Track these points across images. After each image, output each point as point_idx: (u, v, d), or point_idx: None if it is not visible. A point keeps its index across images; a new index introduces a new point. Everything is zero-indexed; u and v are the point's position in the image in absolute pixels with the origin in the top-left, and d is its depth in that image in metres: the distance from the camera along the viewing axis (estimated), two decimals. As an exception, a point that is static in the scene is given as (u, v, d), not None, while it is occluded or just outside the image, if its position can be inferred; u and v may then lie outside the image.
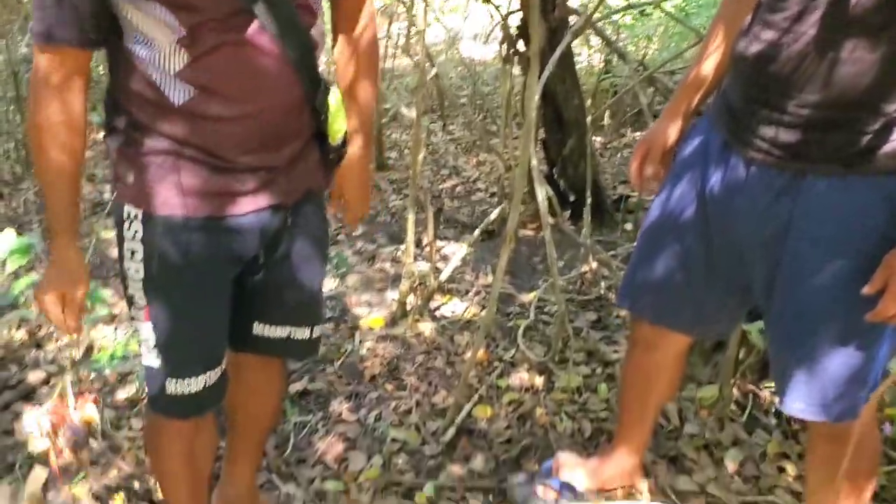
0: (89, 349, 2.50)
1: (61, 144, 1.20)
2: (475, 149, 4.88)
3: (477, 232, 2.81)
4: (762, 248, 1.35)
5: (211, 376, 1.37)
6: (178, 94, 1.17)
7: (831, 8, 1.16)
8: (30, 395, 2.28)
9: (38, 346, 2.55)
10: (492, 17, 3.44)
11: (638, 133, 5.16)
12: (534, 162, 2.25)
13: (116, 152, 1.25)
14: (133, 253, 1.27)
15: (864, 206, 1.24)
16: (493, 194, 4.01)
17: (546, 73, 2.42)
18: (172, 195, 1.22)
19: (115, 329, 2.66)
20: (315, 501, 1.86)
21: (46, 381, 2.36)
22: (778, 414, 2.14)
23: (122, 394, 2.26)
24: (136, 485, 1.89)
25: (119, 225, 1.28)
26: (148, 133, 1.22)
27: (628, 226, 3.61)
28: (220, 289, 1.34)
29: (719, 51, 1.46)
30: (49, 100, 1.18)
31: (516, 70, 3.42)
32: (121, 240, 1.29)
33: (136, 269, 1.28)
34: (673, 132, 1.53)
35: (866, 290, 1.21)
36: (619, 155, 4.77)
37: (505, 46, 3.23)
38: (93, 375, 2.32)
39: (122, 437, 2.07)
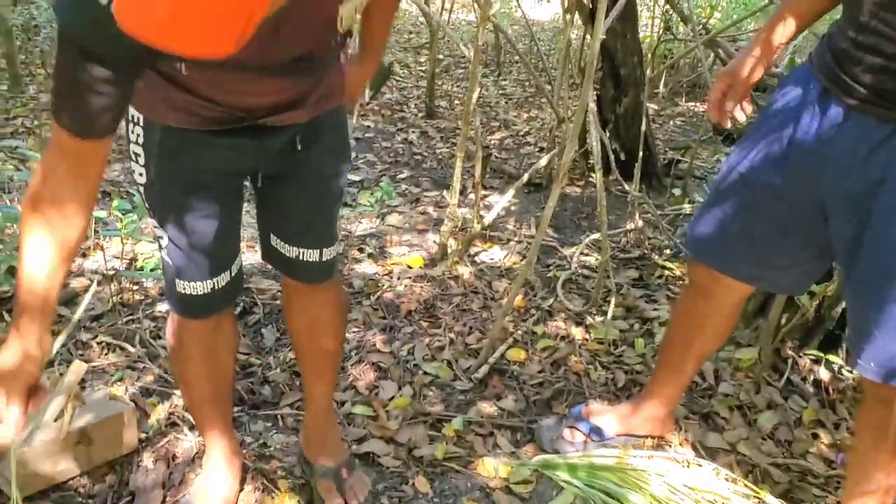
0: (132, 261, 2.54)
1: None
2: (527, 104, 4.82)
3: (525, 176, 2.78)
4: (850, 203, 1.30)
5: (218, 281, 1.38)
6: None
7: None
8: (73, 300, 2.32)
9: (84, 255, 2.59)
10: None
11: (692, 103, 5.07)
12: (591, 105, 2.21)
13: None
14: (136, 156, 1.28)
15: None
16: (542, 148, 3.97)
17: (609, 22, 2.35)
18: (167, 108, 1.20)
19: (159, 248, 2.69)
20: (343, 423, 1.88)
21: (88, 289, 2.40)
22: (816, 382, 2.10)
23: (162, 307, 2.30)
24: (172, 393, 1.92)
25: (126, 125, 1.27)
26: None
27: (676, 191, 3.55)
28: (220, 198, 1.33)
29: None
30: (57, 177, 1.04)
31: (576, 24, 3.35)
32: (128, 141, 1.29)
33: (139, 172, 1.29)
34: (759, 67, 1.44)
35: None
36: (671, 122, 4.68)
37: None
38: (134, 287, 2.36)
39: (158, 345, 2.10)
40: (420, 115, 4.44)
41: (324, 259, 1.47)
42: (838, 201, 1.32)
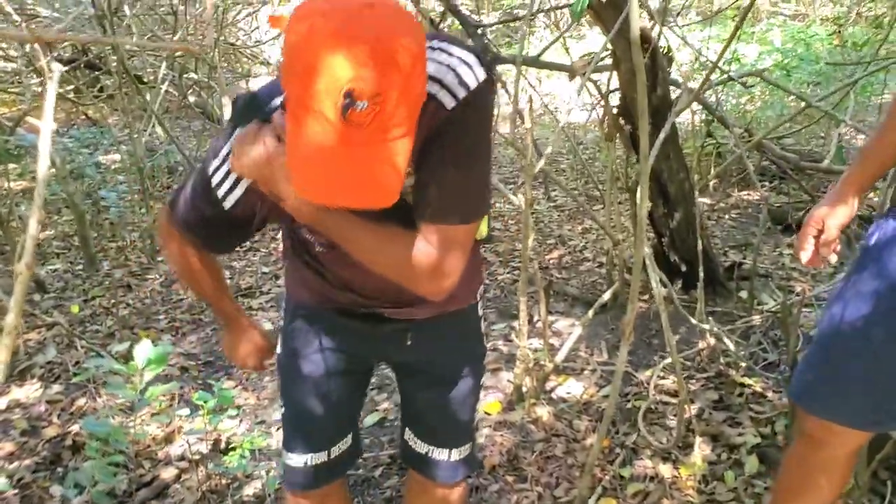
0: (216, 443, 2.63)
1: (190, 279, 1.40)
2: (579, 216, 4.90)
3: (591, 313, 2.82)
4: None
5: (313, 458, 1.48)
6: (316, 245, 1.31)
7: None
8: (163, 493, 2.41)
9: (168, 440, 2.69)
10: (589, 93, 3.48)
11: (745, 193, 5.08)
12: (647, 250, 2.26)
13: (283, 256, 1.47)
14: (282, 321, 1.53)
15: None
16: (601, 264, 4.01)
17: (653, 156, 2.43)
18: (300, 286, 1.42)
19: (240, 422, 2.79)
20: None
21: (178, 478, 2.49)
22: (921, 506, 2.04)
23: (249, 490, 2.36)
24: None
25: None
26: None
27: (743, 293, 3.54)
28: (328, 377, 1.44)
29: None
30: (169, 250, 1.37)
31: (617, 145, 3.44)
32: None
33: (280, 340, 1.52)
34: (848, 210, 1.47)
35: None
36: (726, 216, 4.69)
37: (607, 124, 3.27)
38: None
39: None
40: (477, 240, 4.54)
41: (452, 459, 1.52)
42: None
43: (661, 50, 3.05)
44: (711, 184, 4.79)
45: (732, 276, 3.69)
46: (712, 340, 2.96)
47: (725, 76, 2.93)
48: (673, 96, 3.24)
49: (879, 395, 1.45)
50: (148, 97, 5.30)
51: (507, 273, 4.03)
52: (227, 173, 1.16)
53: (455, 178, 1.09)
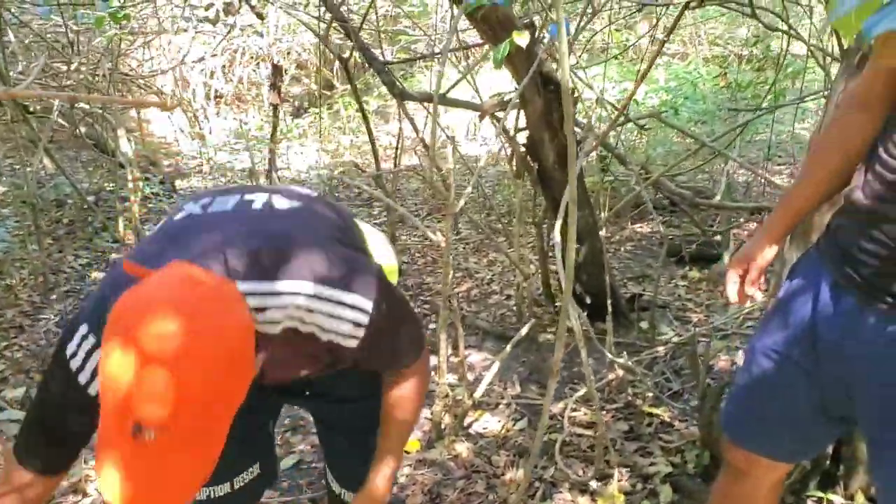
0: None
1: None
2: (483, 247, 4.98)
3: (508, 348, 2.87)
4: (878, 390, 1.35)
5: (213, 491, 1.50)
6: None
7: None
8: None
9: (76, 490, 2.56)
10: (499, 131, 3.57)
11: (638, 225, 5.31)
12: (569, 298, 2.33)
13: None
14: None
15: None
16: (508, 297, 4.09)
17: (562, 210, 2.51)
18: None
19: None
20: None
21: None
22: (824, 526, 2.18)
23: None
24: None
25: None
26: None
27: (643, 324, 3.69)
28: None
29: (816, 178, 1.49)
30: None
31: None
32: None
33: None
34: (770, 252, 1.55)
35: None
36: (622, 249, 4.89)
37: (515, 162, 3.36)
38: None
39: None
40: (384, 274, 4.55)
41: None
42: (864, 387, 1.37)
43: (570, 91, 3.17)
44: (606, 217, 4.98)
45: (633, 307, 3.84)
46: (621, 372, 3.07)
47: (626, 119, 3.07)
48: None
49: (798, 426, 1.54)
50: (35, 126, 5.05)
51: (417, 308, 4.05)
52: (87, 356, 1.11)
53: (393, 342, 1.27)
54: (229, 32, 5.98)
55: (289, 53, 7.33)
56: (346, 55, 3.56)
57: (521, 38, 1.94)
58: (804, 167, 1.54)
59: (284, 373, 1.26)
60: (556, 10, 1.66)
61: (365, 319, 1.14)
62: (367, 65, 3.60)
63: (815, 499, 2.23)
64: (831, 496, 2.21)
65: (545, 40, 2.86)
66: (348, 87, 7.14)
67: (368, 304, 1.14)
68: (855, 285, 1.34)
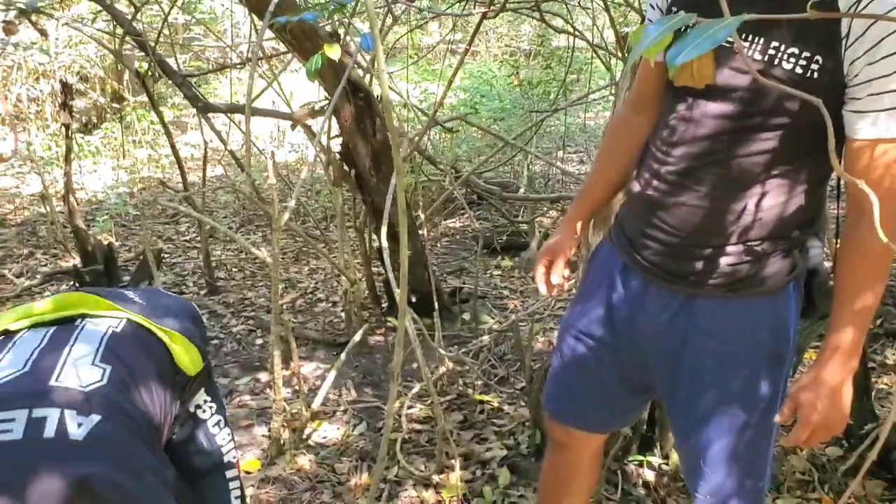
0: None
1: None
2: (303, 255, 4.95)
3: (343, 355, 2.90)
4: (665, 357, 1.53)
5: None
6: None
7: (714, 167, 1.37)
8: None
9: None
10: (311, 140, 3.57)
11: (451, 221, 5.50)
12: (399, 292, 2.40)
13: None
14: None
15: (749, 325, 1.45)
16: (334, 304, 4.11)
17: (386, 217, 2.58)
18: None
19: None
20: None
21: None
22: (645, 484, 2.40)
23: None
24: None
25: None
26: None
27: (466, 316, 3.85)
28: None
29: (606, 176, 1.68)
30: None
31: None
32: None
33: None
34: (571, 243, 1.72)
35: (777, 418, 1.39)
36: (438, 245, 5.05)
37: (332, 170, 3.38)
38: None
39: None
40: (202, 292, 4.40)
41: None
42: (656, 356, 1.55)
43: (376, 98, 3.24)
44: (423, 216, 5.12)
45: (455, 300, 3.99)
46: (451, 364, 3.19)
47: (435, 122, 3.19)
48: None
49: (607, 397, 1.70)
50: None
51: (241, 324, 3.96)
52: None
53: None
54: (3, 50, 5.50)
55: (71, 67, 6.85)
56: (139, 66, 3.41)
57: (333, 52, 1.97)
58: (595, 164, 1.73)
59: None
60: (371, 27, 1.71)
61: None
62: (160, 75, 3.47)
63: (636, 462, 2.45)
64: (650, 458, 2.44)
65: (351, 49, 2.90)
66: (139, 98, 6.81)
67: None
68: (640, 267, 1.53)
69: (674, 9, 1.40)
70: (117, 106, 7.32)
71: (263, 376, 3.36)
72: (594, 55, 3.47)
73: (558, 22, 3.81)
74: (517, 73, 6.02)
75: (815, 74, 1.26)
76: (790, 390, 1.39)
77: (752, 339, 1.45)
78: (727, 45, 1.30)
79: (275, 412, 2.74)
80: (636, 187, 1.52)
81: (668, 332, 1.51)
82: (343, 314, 3.79)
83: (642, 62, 1.57)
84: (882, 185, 1.27)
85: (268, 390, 3.04)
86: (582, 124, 6.39)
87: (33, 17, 3.14)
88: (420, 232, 3.79)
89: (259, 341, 3.75)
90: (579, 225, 1.74)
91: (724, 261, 1.43)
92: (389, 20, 2.95)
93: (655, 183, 1.46)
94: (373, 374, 3.37)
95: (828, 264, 1.51)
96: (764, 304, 1.45)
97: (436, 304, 3.14)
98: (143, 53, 3.64)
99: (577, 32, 3.26)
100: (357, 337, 2.91)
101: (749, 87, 1.32)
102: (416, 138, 2.82)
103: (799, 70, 1.27)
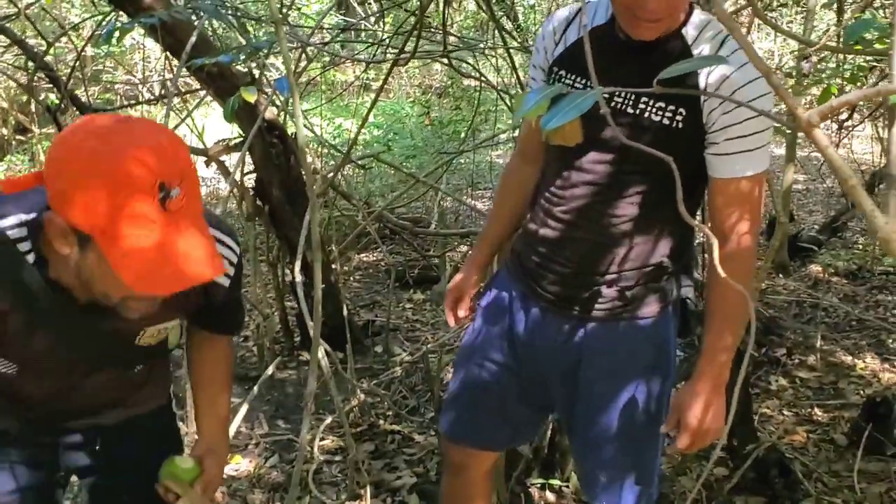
0: None
1: None
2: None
3: (255, 389, 2.93)
4: (563, 376, 1.68)
5: None
6: None
7: (598, 208, 1.55)
8: None
9: None
10: (224, 176, 3.62)
11: (364, 255, 5.59)
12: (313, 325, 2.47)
13: None
14: None
15: (633, 343, 1.62)
16: (246, 338, 4.12)
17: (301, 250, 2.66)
18: None
19: None
20: None
21: None
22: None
23: None
24: None
25: None
26: None
27: (378, 348, 3.93)
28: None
29: (503, 220, 1.84)
30: None
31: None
32: None
33: None
34: (474, 281, 1.88)
35: (664, 429, 1.58)
36: (351, 279, 5.12)
37: (246, 205, 3.44)
38: None
39: None
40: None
41: None
42: (554, 376, 1.71)
43: (291, 136, 3.33)
44: (337, 251, 5.19)
45: (368, 333, 4.08)
46: (363, 396, 3.27)
47: (349, 160, 3.29)
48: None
49: (510, 417, 1.82)
50: None
51: (150, 358, 3.92)
52: None
53: (240, 301, 1.50)
54: None
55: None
56: (47, 99, 3.40)
57: (250, 96, 2.06)
58: (492, 210, 1.90)
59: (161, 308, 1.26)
60: (286, 71, 1.81)
61: (235, 258, 1.32)
62: (71, 108, 3.47)
63: (538, 485, 2.58)
64: (552, 481, 2.58)
65: (266, 89, 2.99)
66: (46, 130, 6.66)
67: (237, 247, 1.33)
68: (538, 296, 1.68)
69: (555, 69, 1.59)
70: (22, 138, 7.13)
71: (178, 412, 3.34)
72: (499, 98, 3.66)
73: (468, 66, 4.00)
74: (428, 112, 6.21)
75: (680, 125, 1.46)
76: (672, 402, 1.57)
77: (636, 356, 1.63)
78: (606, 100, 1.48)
79: (189, 445, 2.75)
80: (532, 226, 1.68)
81: (564, 352, 1.66)
82: (255, 348, 3.82)
83: (525, 121, 1.75)
84: (741, 217, 1.47)
85: (181, 424, 3.04)
86: (490, 162, 6.63)
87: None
88: (333, 266, 3.87)
89: (177, 374, 3.73)
90: (482, 264, 1.92)
91: (607, 290, 1.60)
92: (304, 61, 3.06)
93: (550, 222, 1.62)
94: (285, 407, 3.41)
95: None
96: (645, 325, 1.62)
97: (348, 337, 3.21)
98: (51, 85, 3.63)
99: (482, 78, 3.44)
100: (269, 371, 2.95)
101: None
102: (330, 175, 2.92)
103: (665, 121, 1.47)
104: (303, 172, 3.43)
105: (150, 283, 1.04)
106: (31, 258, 1.16)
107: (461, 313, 1.90)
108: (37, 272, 1.15)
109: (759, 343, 3.76)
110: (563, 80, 1.56)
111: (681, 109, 1.45)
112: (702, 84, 1.44)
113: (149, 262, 1.02)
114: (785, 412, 3.22)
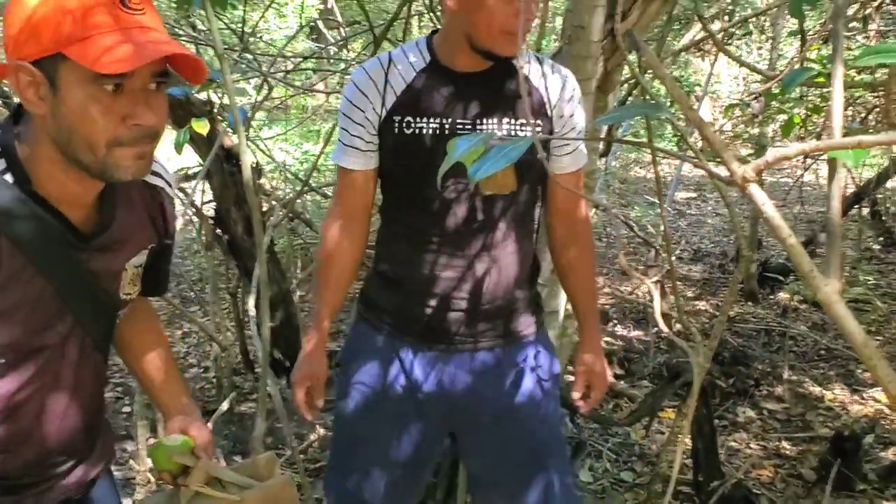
0: None
1: None
2: (177, 320, 4.84)
3: (211, 423, 2.84)
4: (473, 408, 1.68)
5: None
6: None
7: (480, 239, 1.60)
8: None
9: None
10: (183, 203, 3.54)
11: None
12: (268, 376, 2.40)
13: None
14: None
15: (530, 361, 1.70)
16: (206, 369, 4.03)
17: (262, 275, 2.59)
18: None
19: None
20: None
21: None
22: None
23: None
24: None
25: None
26: None
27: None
28: None
29: (340, 287, 1.74)
30: None
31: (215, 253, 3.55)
32: None
33: None
34: (324, 362, 1.77)
35: (575, 394, 1.71)
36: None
37: (205, 233, 3.37)
38: None
39: None
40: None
41: None
42: (466, 419, 1.71)
43: (252, 164, 3.26)
44: (300, 278, 5.12)
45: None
46: (321, 431, 3.19)
47: (309, 188, 3.24)
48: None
49: (390, 473, 1.73)
50: None
51: (109, 391, 3.82)
52: None
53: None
54: None
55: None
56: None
57: (201, 127, 2.01)
58: (323, 279, 1.75)
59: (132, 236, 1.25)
60: (230, 104, 1.76)
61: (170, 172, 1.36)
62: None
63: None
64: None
65: (223, 122, 2.94)
66: None
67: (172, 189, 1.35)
68: (436, 340, 1.65)
69: (395, 118, 1.54)
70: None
71: (130, 446, 3.25)
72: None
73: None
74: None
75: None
76: (579, 368, 1.74)
77: (534, 373, 1.68)
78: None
79: (139, 484, 2.66)
80: (416, 272, 1.61)
81: (467, 389, 1.66)
82: (215, 380, 3.73)
83: (346, 179, 1.65)
84: (578, 201, 1.66)
85: (132, 461, 2.95)
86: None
87: None
88: (296, 294, 3.80)
89: (126, 409, 3.63)
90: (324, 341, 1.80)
91: (504, 313, 1.65)
92: (266, 90, 3.01)
93: (441, 261, 1.60)
94: (243, 441, 3.31)
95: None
96: (532, 344, 1.71)
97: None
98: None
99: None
100: (224, 406, 2.87)
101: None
102: (290, 203, 2.86)
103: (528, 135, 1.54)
104: (257, 202, 3.38)
105: (124, 60, 0.99)
106: (8, 178, 1.08)
107: (319, 404, 1.76)
108: (18, 189, 1.08)
109: (726, 374, 3.73)
110: (410, 125, 1.54)
111: (538, 121, 1.56)
112: (547, 95, 1.57)
113: (121, 48, 0.99)
114: (752, 445, 3.19)
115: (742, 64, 1.74)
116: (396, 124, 1.54)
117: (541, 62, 1.58)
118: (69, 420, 1.24)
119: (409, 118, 1.54)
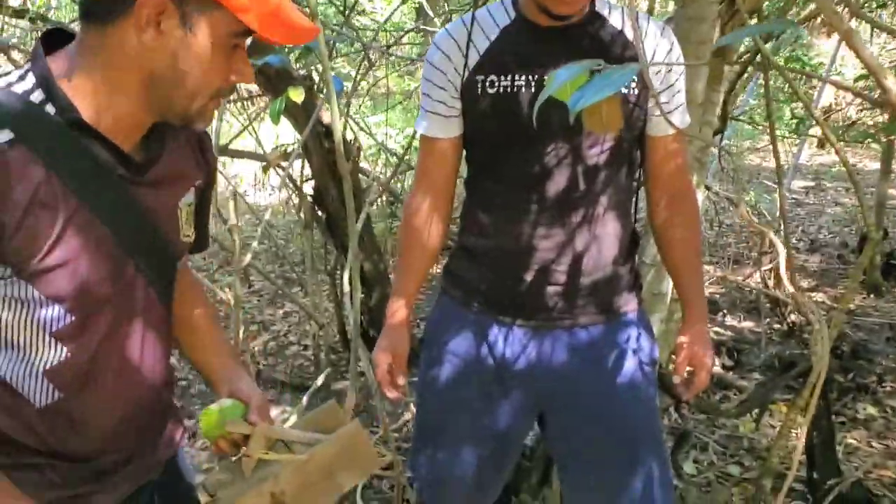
0: None
1: None
2: (279, 300, 4.93)
3: (305, 399, 2.87)
4: (572, 398, 1.59)
5: None
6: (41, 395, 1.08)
7: (584, 203, 1.51)
8: None
9: None
10: (285, 182, 3.58)
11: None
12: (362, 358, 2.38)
13: None
14: None
15: (630, 341, 1.60)
16: (306, 347, 4.08)
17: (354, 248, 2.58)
18: None
19: None
20: None
21: None
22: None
23: None
24: None
25: None
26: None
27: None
28: None
29: (420, 268, 1.66)
30: None
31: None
32: None
33: None
34: (408, 337, 1.69)
35: (676, 379, 1.61)
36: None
37: (304, 212, 3.39)
38: None
39: None
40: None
41: None
42: (560, 400, 1.62)
43: (350, 141, 3.26)
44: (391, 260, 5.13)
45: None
46: (414, 409, 3.16)
47: (408, 167, 3.21)
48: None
49: (481, 446, 1.66)
50: None
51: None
52: None
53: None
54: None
55: None
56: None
57: (297, 95, 1.99)
58: (404, 258, 1.68)
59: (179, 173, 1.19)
60: (323, 69, 1.73)
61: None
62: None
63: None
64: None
65: (323, 93, 2.93)
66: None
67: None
68: (528, 318, 1.57)
69: (479, 77, 1.47)
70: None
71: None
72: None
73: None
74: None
75: (634, 90, 1.47)
76: (680, 351, 1.60)
77: (636, 356, 1.59)
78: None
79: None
80: (511, 244, 1.53)
81: (563, 367, 1.57)
82: (313, 357, 3.76)
83: (428, 148, 1.58)
84: (679, 167, 1.57)
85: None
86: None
87: None
88: (390, 275, 3.78)
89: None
90: (409, 316, 1.71)
91: (604, 289, 1.56)
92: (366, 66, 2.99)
93: (539, 231, 1.51)
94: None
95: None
96: (634, 324, 1.61)
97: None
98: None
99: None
100: (319, 381, 2.88)
101: None
102: (386, 181, 2.83)
103: (624, 90, 1.46)
104: (359, 178, 3.36)
105: (276, 30, 1.01)
106: (50, 108, 0.99)
107: (400, 381, 1.67)
108: (62, 120, 1.00)
109: (846, 368, 3.49)
110: (494, 84, 1.47)
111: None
112: (652, 58, 1.46)
113: (269, 10, 1.00)
114: (873, 444, 2.96)
115: (881, 28, 1.57)
116: (480, 84, 1.47)
117: (649, 23, 1.49)
118: (152, 375, 1.19)
119: (493, 76, 1.46)
